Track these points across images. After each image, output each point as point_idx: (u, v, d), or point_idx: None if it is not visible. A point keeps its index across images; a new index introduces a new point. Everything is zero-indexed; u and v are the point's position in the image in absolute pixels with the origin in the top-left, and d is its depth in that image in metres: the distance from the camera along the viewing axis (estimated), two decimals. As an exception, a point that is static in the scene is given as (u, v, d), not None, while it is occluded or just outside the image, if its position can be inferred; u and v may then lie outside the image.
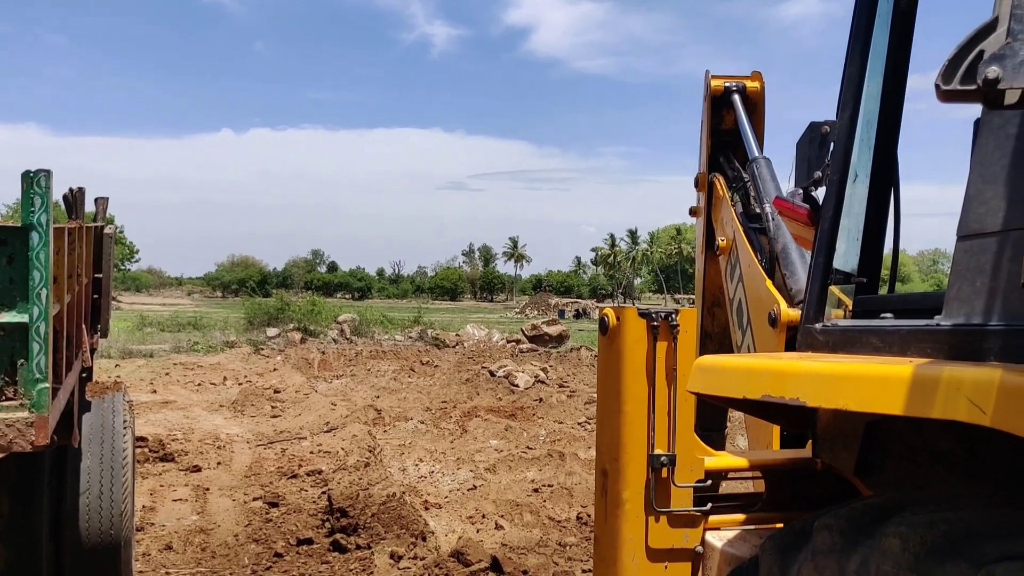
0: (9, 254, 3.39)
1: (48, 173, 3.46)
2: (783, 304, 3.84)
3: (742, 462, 2.90)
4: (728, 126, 5.04)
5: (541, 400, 16.15)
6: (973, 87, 1.08)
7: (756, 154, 4.69)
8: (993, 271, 1.75)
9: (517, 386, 17.89)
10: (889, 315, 2.17)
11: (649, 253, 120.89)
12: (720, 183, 5.06)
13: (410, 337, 28.97)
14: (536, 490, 9.90)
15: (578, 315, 67.72)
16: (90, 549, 4.95)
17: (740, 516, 2.81)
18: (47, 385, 3.42)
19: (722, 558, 2.65)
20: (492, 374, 19.27)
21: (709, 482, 2.77)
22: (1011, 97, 1.07)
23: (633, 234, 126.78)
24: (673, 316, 2.75)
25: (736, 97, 4.91)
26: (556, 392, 17.41)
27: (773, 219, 4.27)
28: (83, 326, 5.07)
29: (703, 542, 2.73)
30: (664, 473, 2.72)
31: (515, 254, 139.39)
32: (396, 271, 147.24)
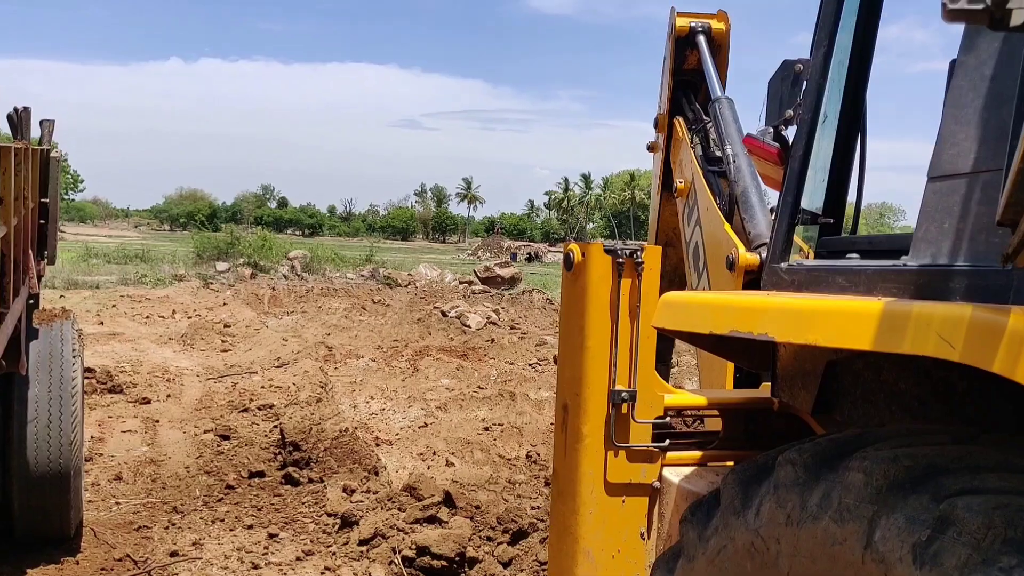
0: (-48, 171, 3.26)
1: (-7, 88, 3.32)
2: (741, 248, 3.86)
3: (701, 400, 2.95)
4: (691, 66, 4.99)
5: (493, 341, 16.22)
6: (980, 7, 1.07)
7: (719, 94, 4.65)
8: (962, 212, 1.77)
9: (469, 327, 17.93)
10: (855, 256, 2.20)
11: (602, 198, 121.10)
12: (680, 125, 5.02)
13: (362, 276, 28.77)
14: (487, 429, 10.01)
15: (530, 258, 67.85)
16: (38, 478, 4.89)
17: (697, 453, 2.86)
18: (-6, 309, 3.32)
19: (679, 493, 2.70)
20: (444, 314, 19.26)
21: (668, 419, 2.81)
22: (1018, 18, 1.06)
23: (587, 179, 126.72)
24: (638, 253, 2.75)
25: (701, 38, 4.86)
26: (508, 334, 17.49)
27: (734, 162, 4.26)
28: (30, 251, 4.92)
29: (660, 478, 2.78)
30: (624, 409, 2.75)
31: (468, 195, 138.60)
32: (347, 209, 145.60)
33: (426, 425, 10.13)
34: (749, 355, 2.80)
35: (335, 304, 20.78)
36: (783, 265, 2.39)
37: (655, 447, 2.77)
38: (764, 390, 3.21)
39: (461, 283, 27.71)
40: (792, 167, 2.47)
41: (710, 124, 4.81)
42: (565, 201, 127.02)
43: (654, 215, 5.55)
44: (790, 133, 2.63)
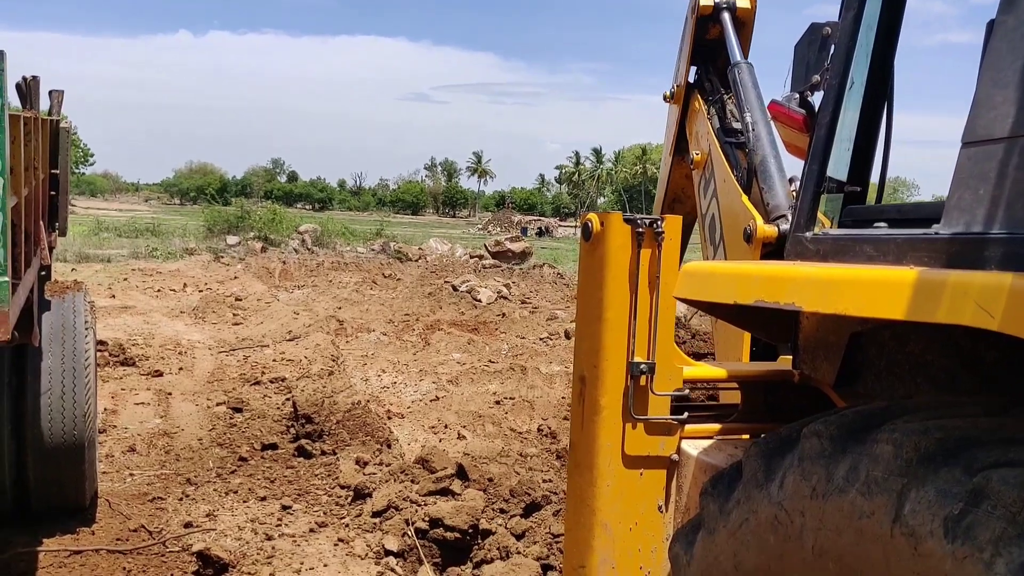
0: (-38, 140, 3.22)
1: (2, 53, 3.26)
2: (759, 220, 3.80)
3: (720, 372, 2.91)
4: (712, 37, 4.91)
5: (504, 315, 16.20)
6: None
7: (739, 59, 4.54)
8: (998, 178, 1.71)
9: (480, 301, 17.91)
10: (883, 225, 2.14)
11: (613, 172, 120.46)
12: (697, 96, 4.94)
13: (372, 250, 28.77)
14: (498, 402, 10.01)
15: (541, 233, 67.75)
16: (53, 449, 4.90)
17: (715, 426, 2.82)
18: (7, 279, 3.29)
19: (697, 466, 2.67)
20: (455, 288, 19.24)
21: (687, 391, 2.77)
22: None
23: (598, 153, 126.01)
24: (658, 223, 2.70)
25: (726, 15, 4.75)
26: (519, 308, 17.46)
27: (753, 130, 4.18)
28: (40, 222, 4.89)
29: (679, 450, 2.75)
30: (643, 381, 2.71)
31: (479, 169, 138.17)
32: (357, 183, 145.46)
33: (437, 399, 10.14)
34: (770, 327, 2.76)
35: (346, 278, 20.78)
36: (808, 234, 2.33)
37: (673, 419, 2.74)
38: (782, 363, 3.17)
39: (472, 257, 27.67)
40: (818, 134, 2.41)
41: (728, 96, 4.72)
42: (576, 175, 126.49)
43: (664, 174, 5.51)
44: (816, 99, 2.56)
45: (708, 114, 4.78)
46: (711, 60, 4.99)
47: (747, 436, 2.80)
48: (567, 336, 14.07)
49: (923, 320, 1.54)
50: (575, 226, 76.40)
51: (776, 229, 3.74)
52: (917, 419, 1.63)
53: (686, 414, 2.77)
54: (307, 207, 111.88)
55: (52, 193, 5.63)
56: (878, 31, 2.49)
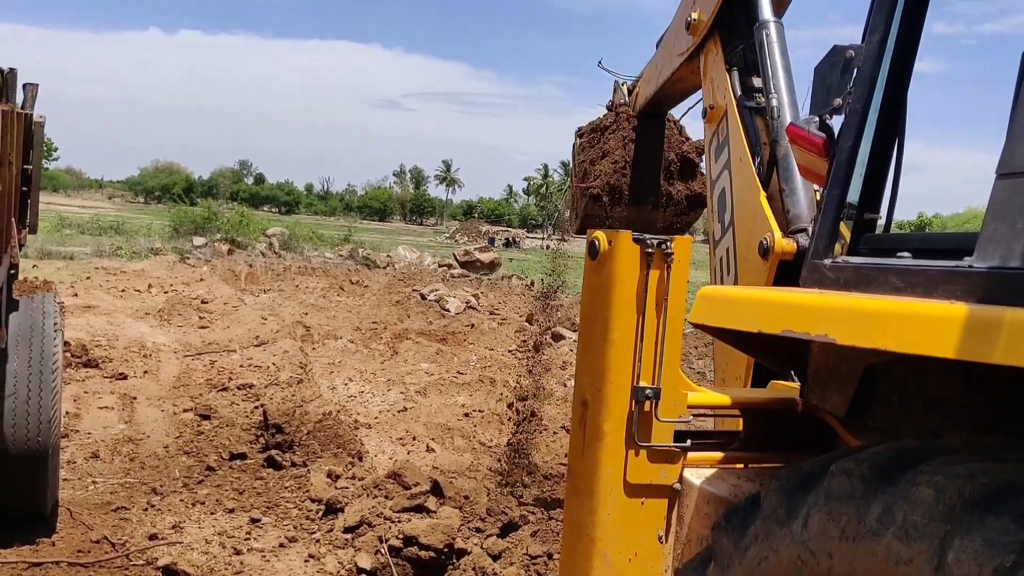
0: (-63, 134, 3.08)
1: (-15, 45, 3.13)
2: (778, 233, 3.50)
3: (724, 399, 2.84)
4: None
5: (472, 326, 16.11)
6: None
7: (768, 16, 4.09)
8: (1039, 214, 1.67)
9: (448, 311, 17.80)
10: (906, 254, 2.09)
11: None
12: (717, 39, 4.47)
13: (340, 255, 28.52)
14: (467, 415, 9.92)
15: (508, 244, 67.75)
16: (16, 455, 4.72)
17: (718, 455, 2.76)
18: (-22, 279, 3.15)
19: (700, 496, 2.60)
20: (423, 297, 19.12)
21: (691, 418, 2.70)
22: None
23: (566, 166, 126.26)
24: (668, 244, 2.63)
25: None
26: (487, 319, 17.39)
27: (777, 116, 3.82)
28: (12, 219, 4.72)
29: (681, 479, 2.68)
30: (647, 407, 2.63)
31: (447, 178, 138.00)
32: (325, 188, 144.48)
33: (405, 409, 10.02)
34: (777, 354, 2.70)
35: (313, 283, 20.56)
36: (827, 261, 2.28)
37: (677, 447, 2.66)
38: (773, 388, 3.12)
39: (440, 266, 27.54)
40: (839, 159, 2.36)
41: (752, 55, 4.25)
42: (544, 187, 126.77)
43: (666, 72, 5.11)
44: (836, 123, 2.51)
45: (728, 66, 4.36)
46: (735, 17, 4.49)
47: (751, 465, 2.73)
48: (536, 349, 14.02)
49: (978, 360, 1.49)
50: (542, 238, 76.44)
51: (795, 244, 3.45)
52: (958, 461, 1.57)
53: (689, 441, 2.70)
54: (273, 210, 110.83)
55: (24, 189, 5.44)
56: (894, 56, 2.45)
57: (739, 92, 4.18)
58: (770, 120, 3.84)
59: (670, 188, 6.29)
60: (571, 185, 7.08)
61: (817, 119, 2.55)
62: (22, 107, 5.86)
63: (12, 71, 5.06)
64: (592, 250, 2.70)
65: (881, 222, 2.60)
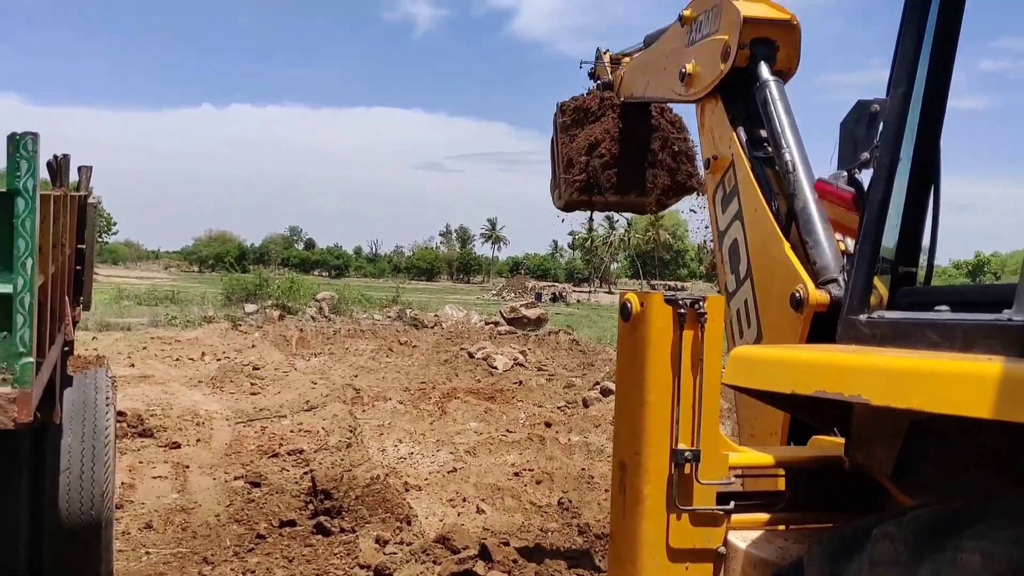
0: (-8, 221, 3.21)
1: (35, 136, 3.27)
2: (810, 285, 3.48)
3: (767, 459, 2.79)
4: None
5: (520, 383, 16.05)
6: None
7: (767, 76, 4.24)
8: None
9: (496, 368, 17.77)
10: (945, 308, 2.05)
11: (626, 238, 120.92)
12: (717, 94, 4.54)
13: (388, 317, 28.77)
14: (517, 474, 9.82)
15: (555, 298, 67.66)
16: (70, 530, 4.78)
17: (763, 516, 2.69)
18: (31, 359, 3.24)
19: (746, 560, 2.54)
20: (471, 355, 19.13)
21: (733, 480, 2.65)
22: None
23: (610, 219, 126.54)
24: (700, 303, 2.62)
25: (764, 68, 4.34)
26: (535, 375, 17.30)
27: (792, 170, 3.84)
28: (66, 298, 4.87)
29: (726, 542, 2.62)
30: (688, 469, 2.60)
31: (493, 236, 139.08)
32: (373, 250, 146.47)
33: (455, 470, 9.95)
34: (819, 410, 2.65)
35: (362, 345, 20.72)
36: (862, 317, 2.25)
37: (720, 510, 2.61)
38: (815, 445, 3.05)
39: (487, 324, 27.59)
40: (870, 213, 2.34)
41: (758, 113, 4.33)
42: (589, 241, 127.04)
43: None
44: (864, 177, 2.50)
45: (731, 117, 4.41)
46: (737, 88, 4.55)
47: (797, 527, 2.66)
48: (585, 405, 13.90)
49: (1017, 420, 1.45)
50: (589, 291, 76.31)
51: (828, 295, 3.44)
52: (1006, 526, 1.52)
53: (732, 503, 2.65)
54: (324, 274, 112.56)
55: (78, 267, 5.63)
56: (923, 107, 2.44)
57: (746, 145, 4.24)
58: (785, 174, 3.89)
59: (656, 176, 6.45)
60: (555, 160, 7.15)
61: (845, 174, 2.54)
62: (76, 189, 6.10)
63: (66, 156, 5.28)
64: (624, 312, 2.70)
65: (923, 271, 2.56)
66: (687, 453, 2.58)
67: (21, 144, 3.20)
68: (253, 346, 19.38)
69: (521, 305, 30.95)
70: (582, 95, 7.15)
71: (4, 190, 3.21)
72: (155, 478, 8.25)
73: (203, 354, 17.74)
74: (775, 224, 3.87)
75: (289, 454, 8.98)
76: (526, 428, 12.25)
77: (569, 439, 11.45)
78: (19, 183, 3.19)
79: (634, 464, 2.64)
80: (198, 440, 9.99)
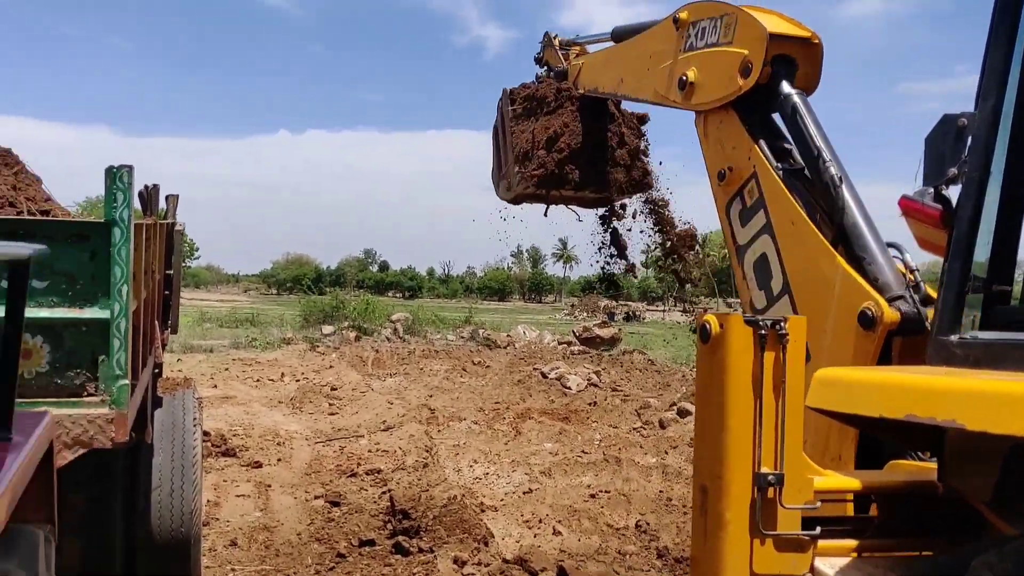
0: (91, 250, 3.37)
1: (130, 169, 3.43)
2: (883, 302, 3.34)
3: (855, 483, 2.72)
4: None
5: (595, 403, 15.96)
6: None
7: (789, 90, 4.11)
8: None
9: (569, 388, 17.71)
10: (1043, 329, 1.98)
11: (701, 256, 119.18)
12: (731, 111, 4.37)
13: (461, 337, 28.96)
14: (593, 496, 9.75)
15: (628, 318, 67.12)
16: (161, 546, 4.94)
17: (852, 542, 2.62)
18: (127, 382, 3.38)
19: (834, 586, 2.47)
20: (544, 376, 19.10)
21: (819, 504, 2.59)
22: None
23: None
24: (782, 324, 2.58)
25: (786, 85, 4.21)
26: (610, 396, 17.18)
27: (835, 185, 3.70)
28: (155, 322, 5.06)
29: (812, 569, 2.56)
30: (771, 493, 2.55)
31: (564, 255, 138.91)
32: (446, 271, 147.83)
33: (531, 491, 9.93)
34: (909, 435, 2.58)
35: (436, 366, 20.91)
36: (954, 338, 2.18)
37: (806, 535, 2.56)
38: (894, 469, 2.95)
39: (560, 343, 27.53)
40: (959, 230, 2.28)
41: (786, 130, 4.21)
42: (662, 259, 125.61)
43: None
44: (952, 193, 2.43)
45: (748, 126, 4.26)
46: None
47: (888, 555, 2.58)
48: (661, 426, 13.73)
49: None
50: (663, 310, 75.41)
51: (898, 312, 3.33)
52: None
53: (819, 529, 2.59)
54: (398, 295, 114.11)
55: (165, 292, 5.84)
56: (1015, 119, 2.36)
57: (772, 158, 4.12)
58: (833, 188, 3.77)
59: (613, 173, 6.33)
60: (503, 149, 6.90)
61: (932, 190, 2.48)
62: (163, 216, 6.35)
63: (155, 186, 5.50)
64: (703, 333, 2.68)
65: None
66: (770, 477, 2.54)
67: (117, 176, 3.36)
68: (330, 367, 19.74)
69: (594, 324, 30.80)
70: (532, 83, 6.86)
71: (102, 220, 3.37)
72: (238, 496, 8.45)
73: (282, 375, 18.15)
74: (822, 238, 3.74)
75: (367, 474, 9.11)
76: (601, 449, 12.16)
77: (645, 461, 11.32)
78: (115, 214, 3.34)
79: (715, 488, 2.61)
80: (279, 459, 10.22)
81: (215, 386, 15.94)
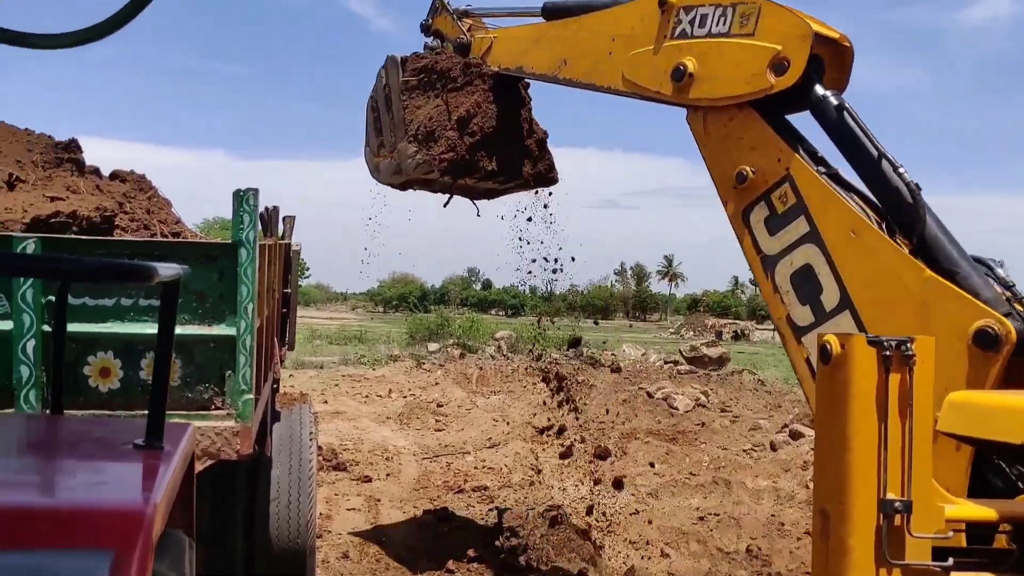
0: (220, 270, 3.54)
1: (255, 192, 3.59)
2: (1005, 320, 3.13)
3: (990, 512, 2.58)
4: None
5: (703, 424, 15.68)
6: None
7: (823, 90, 3.86)
8: None
9: (676, 409, 17.43)
10: None
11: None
12: (749, 109, 4.04)
13: (565, 355, 28.90)
14: (702, 518, 9.57)
15: (736, 337, 65.71)
16: (279, 555, 5.11)
17: (987, 575, 2.49)
18: (252, 396, 3.53)
19: (968, 621, 2.35)
20: (650, 395, 18.86)
21: (951, 534, 2.47)
22: None
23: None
24: (908, 345, 2.48)
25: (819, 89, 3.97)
26: (718, 417, 16.83)
27: (909, 188, 3.45)
28: (275, 339, 5.27)
29: (944, 602, 2.44)
30: (898, 521, 2.45)
31: (669, 272, 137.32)
32: (548, 289, 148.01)
33: (637, 512, 9.83)
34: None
35: (540, 383, 20.93)
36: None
37: (937, 566, 2.44)
38: None
39: (666, 363, 27.14)
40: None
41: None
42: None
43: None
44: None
45: (780, 131, 3.95)
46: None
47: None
48: (773, 448, 13.35)
49: None
50: (774, 329, 73.39)
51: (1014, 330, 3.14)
52: None
53: (951, 560, 2.47)
54: (500, 313, 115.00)
55: (284, 310, 6.07)
56: None
57: (812, 163, 3.84)
58: (912, 196, 3.52)
59: (521, 163, 5.77)
60: (388, 122, 6.00)
61: None
62: (282, 237, 6.62)
63: (275, 208, 5.74)
64: (824, 354, 2.60)
65: None
66: (897, 503, 2.44)
67: (244, 199, 3.53)
68: (436, 384, 20.03)
69: (701, 344, 30.26)
70: (428, 53, 6.07)
71: (230, 241, 3.54)
72: (349, 510, 8.66)
73: (390, 391, 18.52)
74: (900, 249, 3.50)
75: (474, 490, 9.19)
76: (710, 471, 11.93)
77: (756, 484, 11.04)
78: (242, 235, 3.51)
79: (837, 513, 2.52)
80: (388, 474, 10.42)
81: (325, 401, 16.41)
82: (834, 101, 3.84)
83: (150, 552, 1.30)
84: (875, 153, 3.65)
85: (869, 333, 3.35)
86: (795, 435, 13.31)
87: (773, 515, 9.45)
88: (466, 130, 5.59)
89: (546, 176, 5.97)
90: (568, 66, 4.89)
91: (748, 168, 3.97)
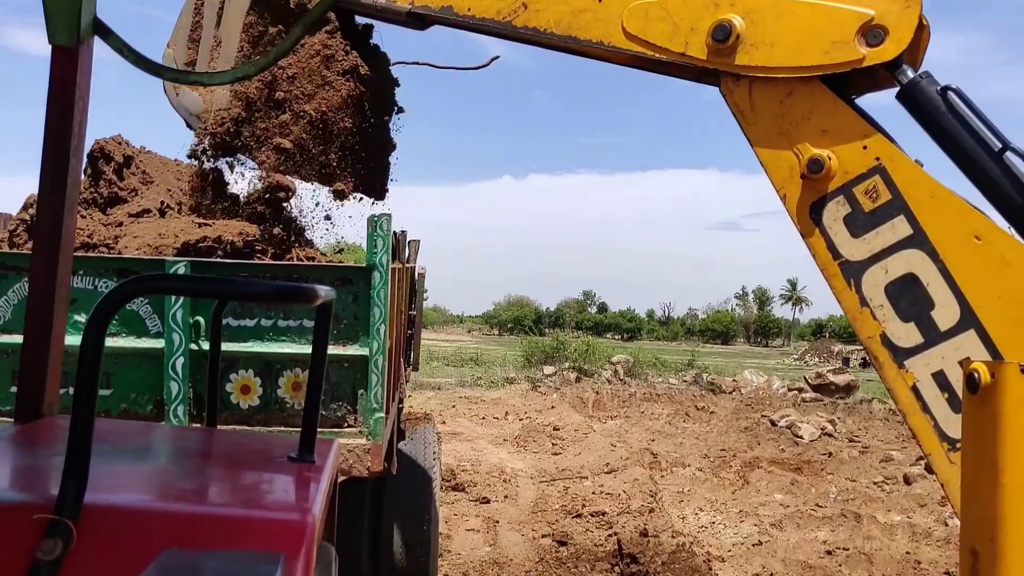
0: (354, 292, 3.68)
1: (388, 217, 3.73)
2: None
3: None
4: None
5: (830, 455, 15.11)
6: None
7: (911, 71, 3.27)
8: None
9: (801, 438, 16.87)
10: None
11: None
12: (816, 83, 3.39)
13: (684, 381, 28.44)
14: (829, 552, 9.21)
15: (865, 364, 62.96)
16: (402, 572, 5.21)
17: None
18: (383, 414, 3.65)
19: None
20: (773, 423, 18.33)
21: (1119, 578, 2.29)
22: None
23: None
24: (1066, 375, 2.33)
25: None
26: (846, 447, 16.18)
27: None
28: (401, 360, 5.41)
29: (1112, 653, 2.26)
30: (1059, 562, 2.29)
31: (793, 297, 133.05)
32: (666, 313, 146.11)
33: (760, 543, 9.54)
34: None
35: (658, 409, 20.66)
36: None
37: (1104, 615, 2.27)
38: None
39: (790, 390, 26.30)
40: None
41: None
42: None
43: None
44: None
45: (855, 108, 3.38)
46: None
47: None
48: (907, 481, 12.73)
49: None
50: (903, 357, 69.79)
51: None
52: None
53: (1119, 608, 2.29)
54: (616, 337, 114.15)
55: (409, 332, 6.23)
56: None
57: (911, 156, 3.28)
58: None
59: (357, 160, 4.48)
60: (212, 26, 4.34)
61: None
62: (407, 261, 6.81)
63: (403, 233, 5.92)
64: (971, 383, 2.47)
65: None
66: (1056, 543, 2.28)
67: (378, 224, 3.66)
68: (552, 407, 20.06)
69: (828, 371, 29.16)
70: None
71: (364, 265, 3.68)
72: (468, 531, 8.75)
73: (506, 413, 18.66)
74: None
75: (592, 515, 9.13)
76: (838, 503, 11.47)
77: (889, 518, 10.54)
78: (376, 258, 3.64)
79: (988, 553, 2.38)
80: (505, 496, 10.48)
81: (443, 422, 16.68)
82: (936, 83, 3.28)
83: (313, 558, 1.39)
84: (996, 145, 3.15)
85: (1004, 357, 3.12)
86: (932, 469, 12.63)
87: (908, 552, 9.00)
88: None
89: (380, 190, 4.70)
90: (531, 11, 3.58)
91: (824, 154, 3.38)
